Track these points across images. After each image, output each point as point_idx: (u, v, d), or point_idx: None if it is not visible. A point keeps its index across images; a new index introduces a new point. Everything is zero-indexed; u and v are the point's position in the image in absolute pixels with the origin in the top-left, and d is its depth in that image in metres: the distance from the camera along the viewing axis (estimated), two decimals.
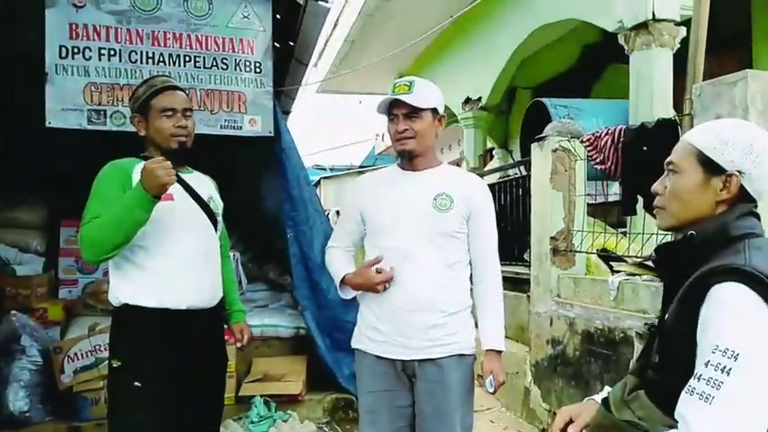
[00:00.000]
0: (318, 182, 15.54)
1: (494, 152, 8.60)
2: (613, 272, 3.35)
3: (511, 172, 5.77)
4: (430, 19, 6.57)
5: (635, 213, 3.22)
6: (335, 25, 9.36)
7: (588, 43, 6.44)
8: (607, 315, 3.00)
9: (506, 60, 6.27)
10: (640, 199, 3.13)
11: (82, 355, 3.10)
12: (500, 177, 5.60)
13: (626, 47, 4.15)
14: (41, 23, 2.94)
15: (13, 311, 3.12)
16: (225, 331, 2.09)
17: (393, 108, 1.83)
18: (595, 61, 6.38)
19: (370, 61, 7.64)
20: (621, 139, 3.17)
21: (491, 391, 1.88)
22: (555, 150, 3.55)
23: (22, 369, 2.96)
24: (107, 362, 1.84)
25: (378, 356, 1.85)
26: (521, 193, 4.56)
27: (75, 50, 3.07)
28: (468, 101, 7.22)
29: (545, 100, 4.59)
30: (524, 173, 5.14)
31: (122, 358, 1.77)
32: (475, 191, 1.90)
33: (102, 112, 3.11)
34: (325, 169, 18.00)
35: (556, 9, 5.20)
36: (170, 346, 1.79)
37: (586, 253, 3.50)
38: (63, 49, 3.03)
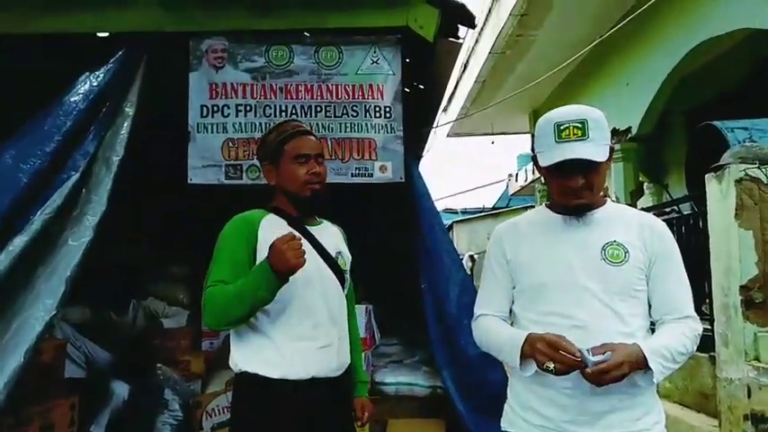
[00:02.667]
0: (450, 226, 15.30)
1: (645, 188, 7.77)
2: None
3: (667, 209, 5.06)
4: (565, 51, 6.18)
5: None
6: (465, 68, 9.28)
7: (760, 56, 5.58)
8: None
9: (660, 83, 5.62)
10: None
11: (219, 410, 3.06)
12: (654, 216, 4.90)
13: None
14: (182, 87, 3.07)
15: (159, 364, 3.20)
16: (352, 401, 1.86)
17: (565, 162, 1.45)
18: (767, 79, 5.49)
19: (503, 99, 7.37)
20: None
21: (592, 363, 1.31)
22: (739, 180, 2.94)
23: (165, 423, 2.98)
24: None
25: None
26: (685, 233, 3.90)
27: (215, 109, 3.17)
28: (615, 132, 6.58)
29: (717, 123, 3.93)
30: (685, 210, 4.45)
31: (241, 430, 1.60)
32: (653, 234, 1.50)
33: (238, 167, 3.16)
34: (456, 213, 17.77)
35: (727, 19, 4.55)
36: (292, 419, 1.59)
37: None
38: (204, 108, 3.15)
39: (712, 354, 3.25)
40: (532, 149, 1.57)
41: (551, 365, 1.34)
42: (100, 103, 2.63)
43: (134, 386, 3.23)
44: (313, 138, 1.79)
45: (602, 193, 1.59)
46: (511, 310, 1.61)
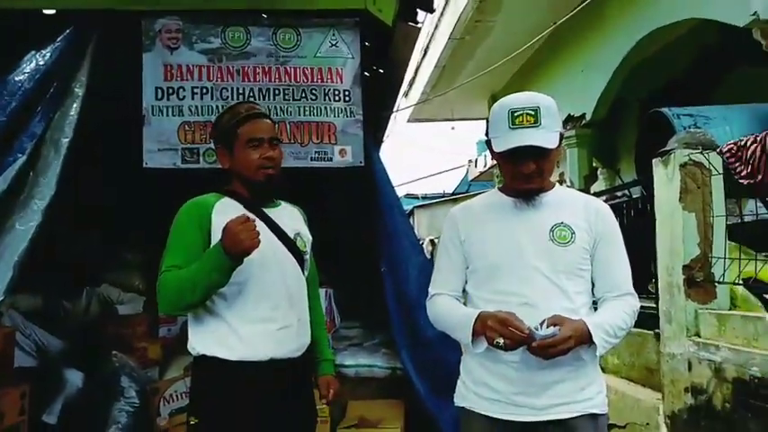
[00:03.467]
0: (411, 211, 15.41)
1: (598, 173, 8.00)
2: None
3: (619, 194, 5.25)
4: (523, 37, 6.27)
5: None
6: (425, 53, 9.30)
7: (704, 46, 5.80)
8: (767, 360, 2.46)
9: (613, 71, 5.77)
10: None
11: (177, 396, 3.04)
12: (606, 200, 5.07)
13: (763, 42, 3.60)
14: (137, 68, 2.99)
15: (114, 351, 3.14)
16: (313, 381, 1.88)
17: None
18: (713, 67, 5.73)
19: (462, 84, 7.43)
20: None
21: (540, 337, 1.37)
22: (684, 165, 3.07)
23: (121, 411, 2.93)
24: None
25: (489, 417, 1.54)
26: (634, 215, 4.06)
27: (170, 91, 3.09)
28: (569, 118, 6.74)
29: (665, 110, 4.09)
30: (636, 194, 4.63)
31: (200, 415, 1.62)
32: (598, 216, 1.58)
33: (195, 151, 3.11)
34: (417, 198, 17.89)
35: (673, 9, 4.71)
36: (252, 401, 1.60)
37: (732, 284, 2.96)
38: (159, 90, 3.07)
39: (657, 331, 3.40)
40: (487, 134, 1.62)
41: (501, 341, 1.40)
42: (47, 82, 2.54)
43: (88, 374, 3.17)
44: (267, 120, 1.77)
45: (558, 177, 1.66)
46: (464, 290, 1.66)
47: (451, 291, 1.66)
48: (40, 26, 2.67)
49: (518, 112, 1.50)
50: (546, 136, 1.49)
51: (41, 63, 2.56)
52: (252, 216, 1.49)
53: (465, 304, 1.64)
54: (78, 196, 3.19)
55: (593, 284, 1.59)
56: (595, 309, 1.59)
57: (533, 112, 1.49)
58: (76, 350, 3.36)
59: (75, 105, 2.58)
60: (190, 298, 1.54)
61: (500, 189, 1.69)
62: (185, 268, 1.55)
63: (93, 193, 3.69)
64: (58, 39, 2.64)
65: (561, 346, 1.39)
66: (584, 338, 1.43)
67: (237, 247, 1.46)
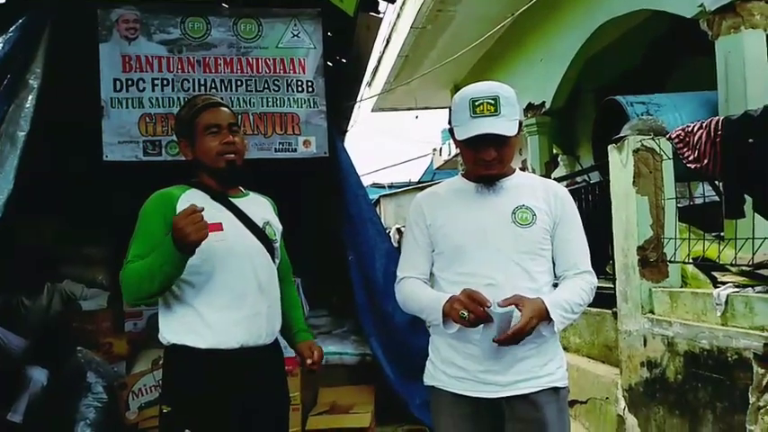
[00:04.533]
0: (378, 200, 15.45)
1: (559, 159, 8.20)
2: (716, 284, 2.95)
3: (578, 179, 5.41)
4: (484, 26, 6.35)
5: (743, 216, 2.82)
6: (387, 43, 9.32)
7: (655, 37, 6.01)
8: (715, 333, 2.61)
9: (570, 61, 5.93)
10: (748, 198, 2.74)
11: (146, 390, 3.02)
12: (567, 185, 5.23)
13: (709, 33, 3.76)
14: (94, 58, 2.93)
15: (79, 347, 3.09)
16: (286, 366, 1.90)
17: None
18: (665, 56, 5.94)
19: (424, 74, 7.49)
20: (720, 132, 2.79)
21: (498, 315, 1.43)
22: (636, 151, 3.20)
23: (88, 407, 2.90)
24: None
25: (457, 394, 1.61)
26: (592, 200, 4.21)
27: (129, 83, 3.05)
28: (530, 107, 6.89)
29: (619, 98, 4.23)
30: (594, 180, 4.78)
31: (172, 403, 1.63)
32: (557, 199, 1.66)
33: (157, 143, 3.07)
34: (383, 187, 17.94)
35: (627, 0, 4.85)
36: (223, 389, 1.62)
37: (682, 263, 3.11)
38: (117, 82, 3.02)
39: (615, 309, 3.56)
40: (449, 122, 1.67)
41: (465, 314, 1.46)
42: (0, 74, 2.47)
43: (53, 371, 3.12)
44: (225, 109, 1.77)
45: (519, 164, 1.73)
46: (431, 273, 1.71)
47: (419, 274, 1.70)
48: None
49: (479, 102, 1.55)
50: (505, 124, 1.55)
51: None
52: (199, 207, 1.47)
53: (432, 287, 1.68)
54: (38, 190, 3.11)
55: (553, 264, 1.66)
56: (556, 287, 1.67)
57: (493, 102, 1.55)
58: (40, 347, 3.29)
59: (30, 97, 2.52)
60: (148, 288, 1.55)
61: (463, 175, 1.75)
62: (144, 259, 1.56)
63: (54, 186, 3.60)
64: (11, 29, 2.57)
65: (526, 329, 1.45)
66: (542, 316, 1.50)
67: (184, 240, 1.45)
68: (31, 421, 2.94)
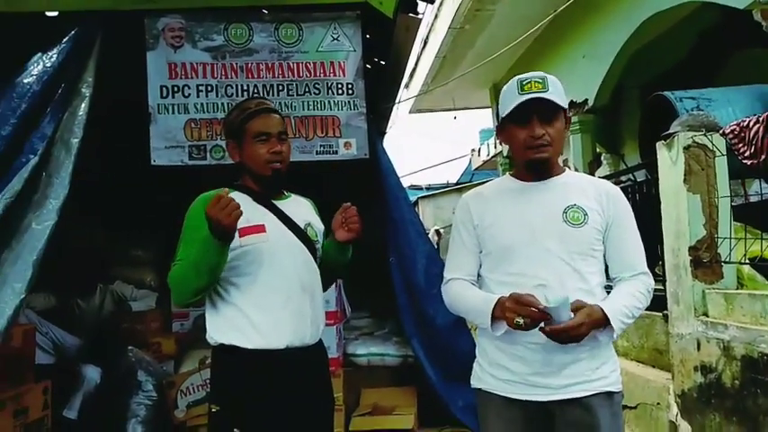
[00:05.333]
0: (416, 202, 15.41)
1: (602, 158, 8.00)
2: None
3: (623, 178, 5.26)
4: (523, 25, 6.26)
5: None
6: (425, 44, 9.30)
7: (705, 30, 5.78)
8: None
9: (613, 57, 5.78)
10: None
11: (194, 389, 3.09)
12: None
13: (764, 23, 3.60)
14: (141, 67, 3.02)
15: (130, 347, 3.19)
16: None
17: (525, 108, 1.55)
18: (714, 50, 5.71)
19: (463, 74, 7.43)
20: None
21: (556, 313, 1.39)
22: (687, 147, 3.08)
23: (139, 404, 2.99)
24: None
25: (506, 398, 1.57)
26: (639, 199, 4.08)
27: (175, 89, 3.12)
28: (572, 105, 6.74)
29: (667, 93, 4.09)
30: (640, 178, 4.63)
31: (220, 403, 1.66)
32: (609, 199, 1.60)
33: (202, 148, 3.14)
34: (421, 189, 17.88)
35: None
36: (270, 389, 1.64)
37: (738, 263, 2.98)
38: (164, 89, 3.10)
39: (665, 312, 3.43)
40: (497, 116, 1.66)
41: (521, 320, 1.43)
42: (55, 84, 2.57)
43: (105, 369, 3.23)
44: (276, 115, 1.79)
45: (561, 164, 1.70)
46: (479, 274, 1.68)
47: (466, 275, 1.67)
48: (44, 29, 2.70)
49: (526, 81, 1.56)
50: (554, 97, 1.54)
51: (48, 65, 2.59)
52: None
53: (480, 288, 1.66)
54: (90, 195, 3.23)
55: (606, 265, 1.61)
56: (609, 289, 1.61)
57: (541, 81, 1.56)
58: (93, 347, 3.42)
59: (83, 105, 2.61)
60: (196, 283, 1.59)
61: (511, 175, 1.72)
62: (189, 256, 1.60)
63: (105, 190, 3.73)
64: (63, 41, 2.67)
65: (573, 333, 1.41)
66: (599, 323, 1.46)
67: (219, 225, 1.50)
68: (85, 418, 3.05)
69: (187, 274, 1.59)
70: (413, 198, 14.98)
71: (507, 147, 1.72)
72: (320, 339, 1.82)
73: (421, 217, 14.39)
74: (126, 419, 2.94)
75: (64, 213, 2.41)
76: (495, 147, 11.18)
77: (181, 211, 1.79)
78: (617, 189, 1.67)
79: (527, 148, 1.57)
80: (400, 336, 3.64)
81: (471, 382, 1.69)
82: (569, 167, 7.20)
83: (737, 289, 3.05)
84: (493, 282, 1.61)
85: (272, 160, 1.73)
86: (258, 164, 1.74)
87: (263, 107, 1.79)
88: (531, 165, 1.61)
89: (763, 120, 2.75)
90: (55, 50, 2.65)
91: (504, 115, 1.60)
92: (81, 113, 2.62)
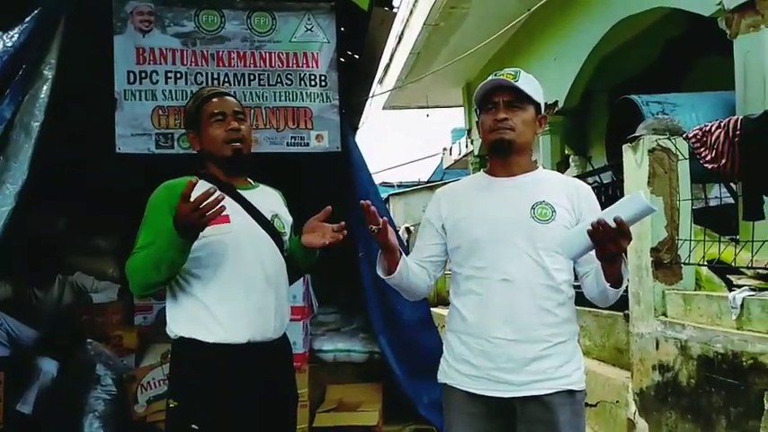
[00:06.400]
0: (387, 199, 15.41)
1: (570, 160, 8.14)
2: (731, 287, 2.91)
3: (590, 180, 5.36)
4: (497, 24, 6.31)
5: (763, 217, 2.77)
6: (400, 40, 9.29)
7: (671, 37, 5.94)
8: (730, 338, 2.57)
9: (583, 60, 5.88)
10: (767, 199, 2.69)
11: (155, 383, 3.02)
12: None
13: (728, 31, 3.70)
14: (109, 51, 2.93)
15: (89, 340, 3.10)
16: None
17: (493, 96, 1.59)
18: (680, 56, 5.87)
19: (437, 70, 7.45)
20: (739, 132, 2.75)
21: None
22: (652, 150, 3.16)
23: (97, 399, 2.91)
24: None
25: (470, 393, 1.58)
26: (605, 201, 4.17)
27: (143, 75, 3.04)
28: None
29: (634, 97, 4.18)
30: (606, 180, 4.73)
31: (179, 398, 1.62)
32: (580, 196, 1.62)
33: (169, 136, 3.07)
34: (393, 186, 17.89)
35: None
36: (230, 384, 1.60)
37: (697, 265, 3.06)
38: (131, 74, 3.01)
39: (627, 312, 3.51)
40: (469, 116, 1.68)
41: (373, 227, 1.53)
42: (15, 65, 2.47)
43: (63, 363, 3.13)
44: (230, 97, 1.78)
45: (534, 160, 1.72)
46: (451, 270, 1.70)
47: (418, 260, 1.72)
48: (5, 6, 2.59)
49: (500, 72, 1.61)
50: (523, 86, 1.57)
51: (9, 45, 2.49)
52: (220, 192, 1.46)
53: (451, 283, 1.69)
54: (50, 181, 3.12)
55: (576, 261, 1.62)
56: (576, 287, 1.63)
57: (514, 73, 1.60)
58: (50, 339, 3.31)
59: (45, 88, 2.51)
60: (155, 277, 1.54)
61: (485, 171, 1.73)
62: (149, 248, 1.55)
63: (65, 178, 3.61)
64: (26, 20, 2.57)
65: (625, 227, 1.31)
66: (621, 261, 1.46)
67: (189, 224, 1.44)
68: (40, 412, 2.95)
69: (146, 268, 1.54)
70: (384, 195, 14.96)
71: (478, 146, 1.74)
72: (284, 333, 1.79)
73: (391, 214, 14.41)
74: (83, 414, 2.84)
75: (22, 199, 2.33)
76: (467, 146, 11.27)
77: (144, 200, 1.74)
78: (587, 187, 1.70)
79: (490, 131, 1.61)
80: (367, 332, 3.64)
81: (438, 377, 1.70)
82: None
83: (696, 290, 3.14)
84: (461, 276, 1.63)
85: (230, 138, 1.70)
86: (217, 144, 1.70)
87: (215, 91, 1.78)
88: (493, 148, 1.63)
89: (724, 125, 2.83)
90: (16, 30, 2.55)
91: (476, 106, 1.65)
92: (42, 96, 2.53)
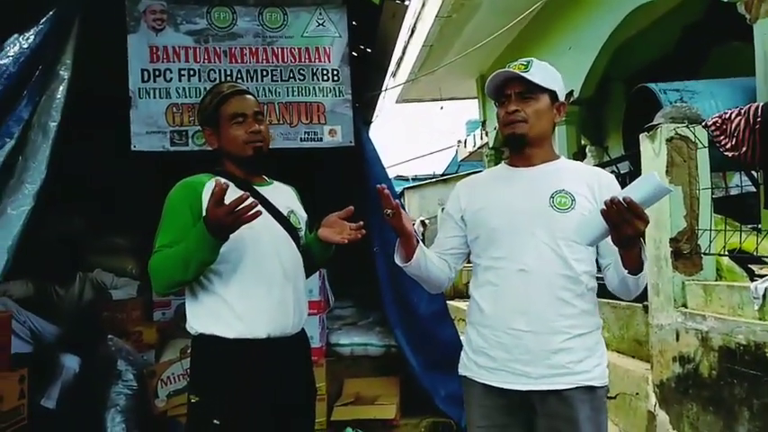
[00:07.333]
0: (402, 192, 15.40)
1: (587, 150, 8.05)
2: (753, 276, 2.86)
3: (607, 170, 5.30)
4: (511, 15, 6.24)
5: None
6: (412, 33, 9.24)
7: (689, 23, 5.82)
8: (752, 328, 2.52)
9: (599, 49, 5.79)
10: None
11: (174, 378, 3.06)
12: None
13: (747, 16, 3.62)
14: (122, 50, 2.95)
15: (110, 336, 3.15)
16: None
17: (505, 88, 1.58)
18: (698, 43, 5.75)
19: (450, 62, 7.40)
20: (759, 119, 2.69)
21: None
22: (670, 139, 3.10)
23: (119, 394, 2.95)
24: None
25: (488, 386, 1.57)
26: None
27: (157, 73, 3.07)
28: None
29: (651, 85, 4.11)
30: (623, 170, 4.67)
31: (200, 393, 1.63)
32: (601, 184, 1.59)
33: (184, 133, 3.09)
34: (407, 179, 17.88)
35: None
36: (250, 379, 1.61)
37: (717, 255, 3.01)
38: (145, 72, 3.04)
39: (645, 303, 3.47)
40: (484, 108, 1.67)
41: (387, 211, 1.54)
42: (32, 66, 2.50)
43: (85, 359, 3.18)
44: (249, 96, 1.77)
45: (556, 151, 1.69)
46: (470, 261, 1.70)
47: (437, 252, 1.72)
48: (21, 9, 2.62)
49: (512, 64, 1.59)
50: (531, 75, 1.54)
51: (25, 46, 2.51)
52: (246, 194, 1.47)
53: (472, 274, 1.69)
54: (67, 180, 3.16)
55: (598, 252, 1.58)
56: (599, 278, 1.60)
57: (526, 63, 1.57)
58: (72, 335, 3.36)
59: (61, 88, 2.54)
60: (182, 276, 1.55)
61: (506, 162, 1.72)
62: (174, 248, 1.55)
63: (83, 176, 3.66)
64: (41, 21, 2.60)
65: (639, 209, 1.25)
66: (640, 241, 1.37)
67: (218, 226, 1.45)
68: (63, 407, 3.01)
69: (174, 266, 1.54)
70: (398, 189, 14.97)
71: (493, 138, 1.73)
72: (303, 329, 1.80)
73: (406, 207, 14.41)
74: (105, 409, 2.89)
75: (41, 199, 2.36)
76: (482, 138, 11.20)
77: (162, 198, 1.75)
78: (610, 176, 1.67)
79: (504, 125, 1.60)
80: (384, 325, 3.64)
81: (459, 371, 1.69)
82: None
83: (716, 280, 3.09)
84: (480, 267, 1.62)
85: (251, 140, 1.70)
86: (237, 145, 1.70)
87: (234, 89, 1.76)
88: (509, 142, 1.63)
89: (744, 112, 2.77)
90: (32, 31, 2.57)
91: (486, 93, 1.66)
92: (59, 96, 2.56)
